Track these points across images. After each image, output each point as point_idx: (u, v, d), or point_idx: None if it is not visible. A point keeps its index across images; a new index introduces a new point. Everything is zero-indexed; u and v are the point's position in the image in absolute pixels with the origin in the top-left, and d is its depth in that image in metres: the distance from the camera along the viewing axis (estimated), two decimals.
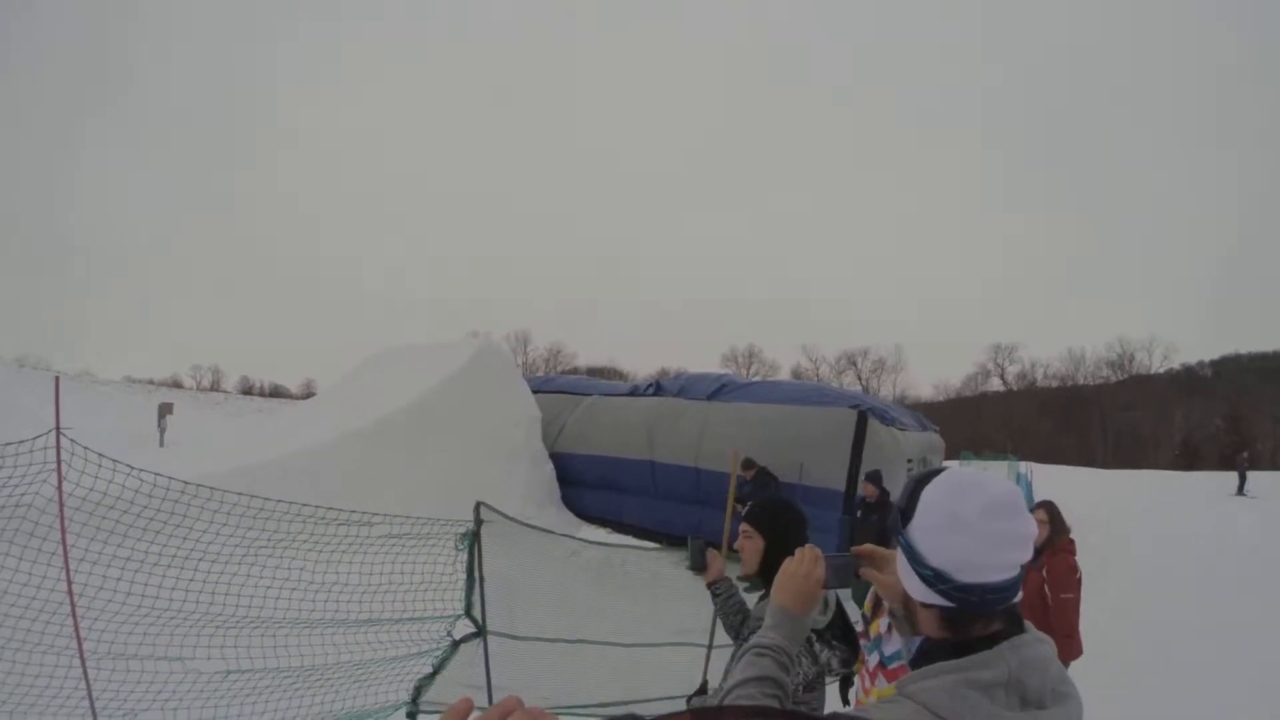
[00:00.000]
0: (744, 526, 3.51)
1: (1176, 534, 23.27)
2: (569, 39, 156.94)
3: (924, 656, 1.69)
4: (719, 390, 19.54)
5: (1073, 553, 7.01)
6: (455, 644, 6.89)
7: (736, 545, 3.58)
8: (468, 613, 7.04)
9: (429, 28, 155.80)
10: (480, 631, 7.03)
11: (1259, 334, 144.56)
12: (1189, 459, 78.61)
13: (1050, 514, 7.09)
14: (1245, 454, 45.51)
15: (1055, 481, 34.31)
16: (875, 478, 11.41)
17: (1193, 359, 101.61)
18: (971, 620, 1.67)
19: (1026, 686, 1.57)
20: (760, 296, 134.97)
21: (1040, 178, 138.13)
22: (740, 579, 3.66)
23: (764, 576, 3.44)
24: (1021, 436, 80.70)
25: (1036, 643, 1.66)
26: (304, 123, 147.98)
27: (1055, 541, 6.96)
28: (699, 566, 3.63)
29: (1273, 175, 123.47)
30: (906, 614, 1.85)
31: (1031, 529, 1.67)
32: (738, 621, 3.77)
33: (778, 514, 3.49)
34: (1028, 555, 1.66)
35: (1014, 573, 1.66)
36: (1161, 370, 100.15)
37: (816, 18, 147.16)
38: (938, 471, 1.80)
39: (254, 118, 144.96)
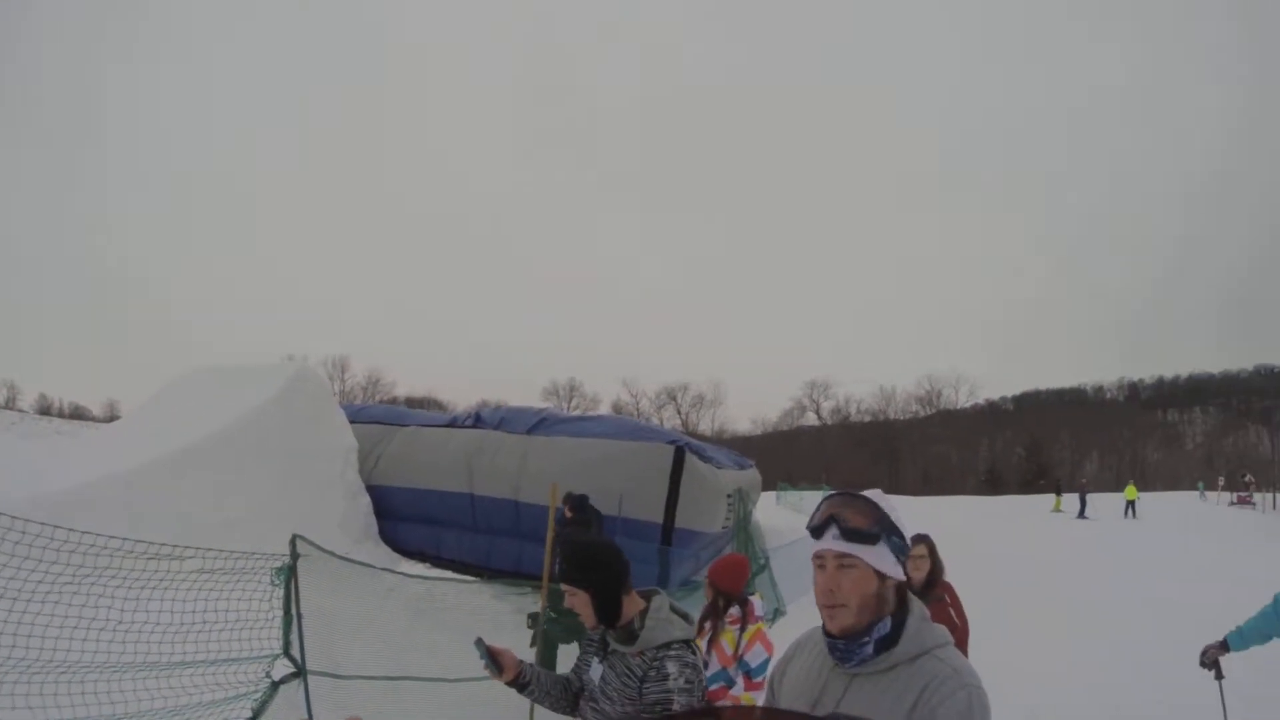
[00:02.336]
0: (564, 587, 3.51)
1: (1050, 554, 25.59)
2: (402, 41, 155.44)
3: (896, 627, 2.18)
4: (539, 424, 19.52)
5: (952, 602, 6.22)
6: (274, 685, 6.68)
7: (566, 604, 3.60)
8: (286, 652, 6.84)
9: (248, 21, 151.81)
10: (300, 671, 6.84)
11: (1056, 371, 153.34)
12: (994, 485, 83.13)
13: (930, 550, 6.28)
14: (1085, 480, 49.56)
15: None
16: (575, 501, 11.86)
17: (996, 394, 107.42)
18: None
19: None
20: (582, 330, 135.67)
21: (857, 222, 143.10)
22: (592, 630, 3.64)
23: (607, 621, 3.48)
24: (836, 468, 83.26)
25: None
26: (112, 121, 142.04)
27: (933, 585, 6.17)
28: (494, 670, 3.60)
29: (1064, 223, 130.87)
30: (873, 608, 2.20)
31: None
32: (561, 687, 3.72)
33: (587, 563, 3.50)
34: None
35: None
36: (967, 405, 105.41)
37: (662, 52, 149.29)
38: (854, 493, 2.32)
39: (63, 112, 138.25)
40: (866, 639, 2.16)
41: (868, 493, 2.30)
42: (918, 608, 2.24)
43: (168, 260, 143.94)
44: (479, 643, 3.61)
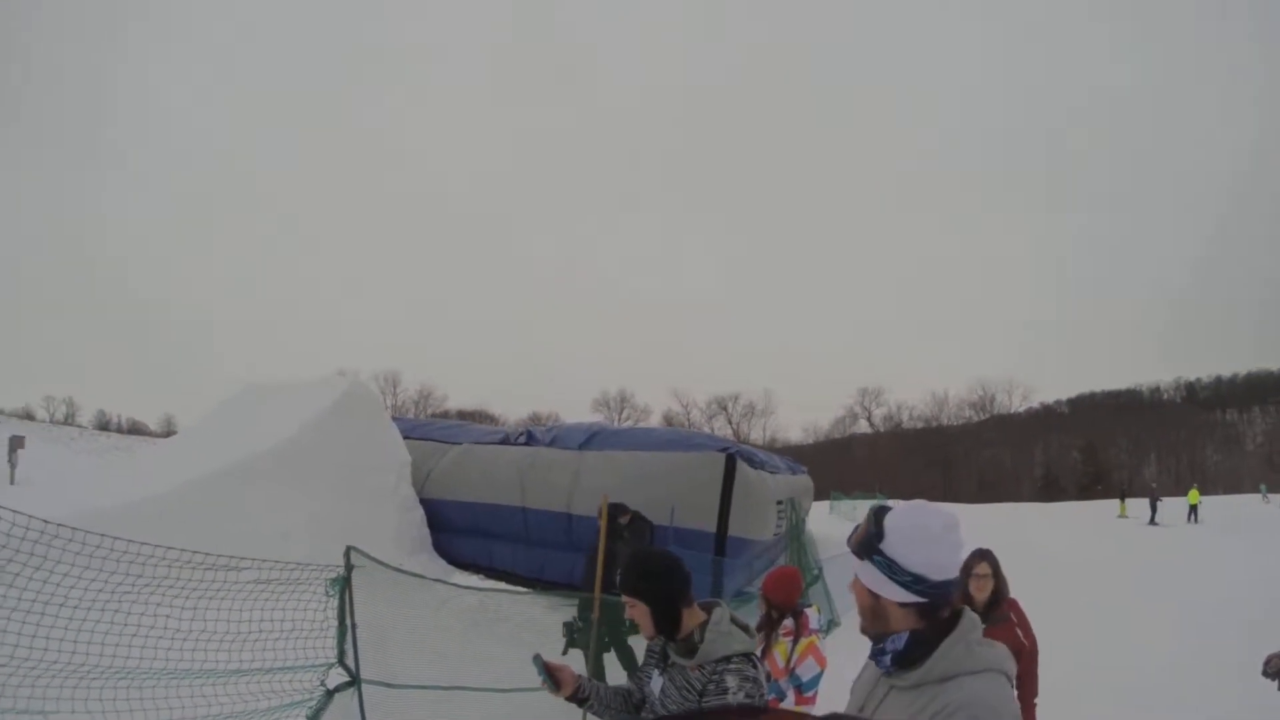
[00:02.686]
0: (624, 599, 3.50)
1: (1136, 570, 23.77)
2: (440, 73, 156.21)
3: (916, 645, 2.23)
4: (591, 438, 19.58)
5: (1019, 621, 5.89)
6: (329, 693, 6.74)
7: (626, 615, 3.57)
8: (340, 661, 6.90)
9: (284, 47, 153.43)
10: (354, 680, 6.90)
11: (1110, 372, 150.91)
12: (1050, 491, 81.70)
13: (994, 567, 5.94)
14: (1155, 484, 47.99)
15: None
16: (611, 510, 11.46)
17: (1050, 398, 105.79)
18: (939, 609, 2.24)
19: (982, 637, 2.24)
20: (633, 340, 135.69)
21: (905, 227, 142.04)
22: (650, 640, 3.62)
23: (666, 632, 3.46)
24: (888, 476, 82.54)
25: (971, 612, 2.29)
26: (168, 145, 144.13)
27: (997, 604, 5.85)
28: (552, 686, 3.59)
29: (1115, 221, 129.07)
30: (875, 618, 2.33)
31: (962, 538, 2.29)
32: (621, 699, 3.70)
33: (647, 574, 3.48)
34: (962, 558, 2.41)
35: (959, 571, 2.27)
36: (1021, 409, 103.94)
37: (728, 63, 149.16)
38: (889, 506, 2.35)
39: (119, 134, 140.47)
40: (883, 648, 2.32)
41: (904, 504, 2.37)
42: (966, 631, 2.25)
43: (223, 279, 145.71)
44: (537, 659, 3.61)
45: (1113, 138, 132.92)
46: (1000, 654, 2.23)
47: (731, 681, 3.26)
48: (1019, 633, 5.82)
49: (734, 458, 16.78)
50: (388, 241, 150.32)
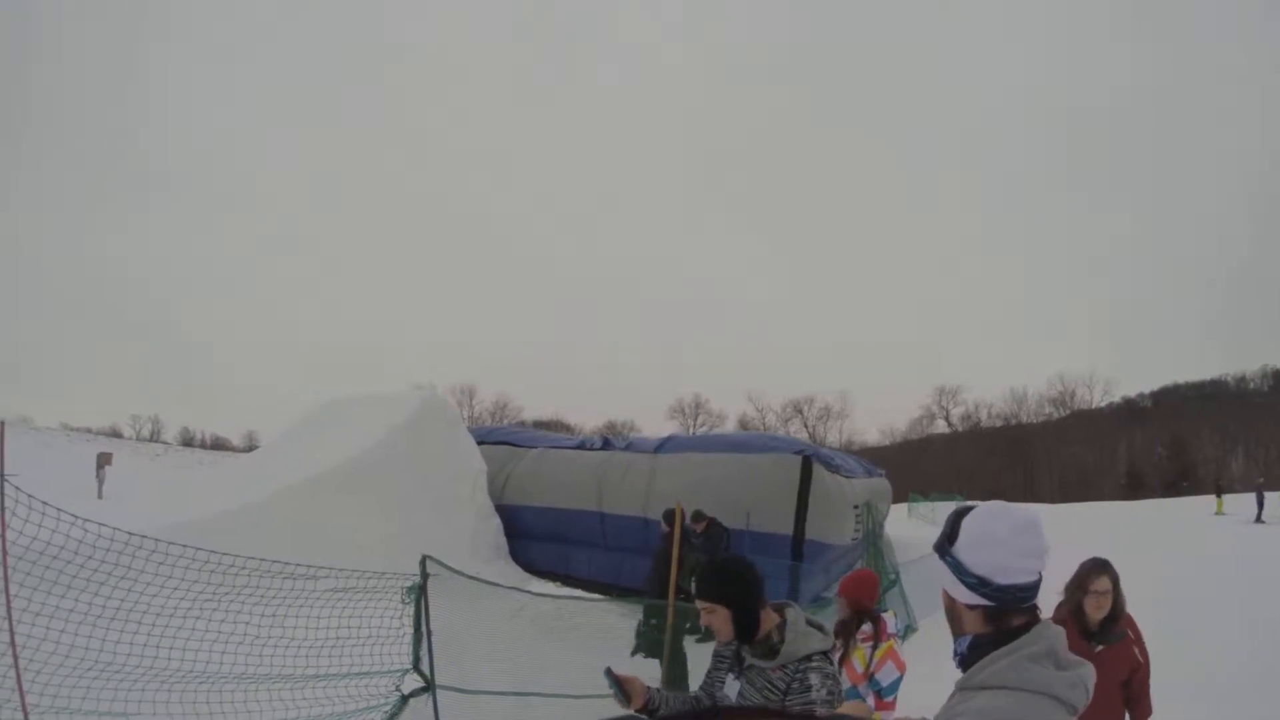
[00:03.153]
0: (701, 605, 3.48)
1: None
2: (519, 80, 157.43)
3: (974, 650, 2.19)
4: (666, 442, 19.70)
5: (1135, 638, 5.34)
6: (404, 698, 6.83)
7: (703, 622, 3.56)
8: (415, 667, 6.98)
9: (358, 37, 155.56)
10: (429, 686, 6.97)
11: (1195, 364, 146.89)
12: (1135, 488, 79.65)
13: (1114, 582, 5.30)
14: (1262, 479, 44.66)
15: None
16: (671, 517, 11.29)
17: (1132, 391, 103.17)
18: (1008, 614, 2.19)
19: (1059, 655, 2.11)
20: (706, 346, 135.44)
21: (980, 221, 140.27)
22: (725, 644, 3.60)
23: (745, 636, 3.45)
24: (967, 477, 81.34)
25: (1054, 624, 2.20)
26: (245, 164, 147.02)
27: (1114, 620, 5.28)
28: (623, 699, 3.58)
29: (1197, 206, 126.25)
30: (951, 618, 2.32)
31: (1046, 544, 2.21)
32: (691, 706, 3.62)
33: (726, 579, 3.46)
34: (1044, 566, 2.21)
35: (1036, 577, 2.19)
36: (1103, 404, 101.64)
37: (780, 67, 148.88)
38: (971, 507, 2.32)
39: (210, 157, 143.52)
40: (955, 649, 2.30)
41: (983, 506, 2.33)
42: (1023, 645, 2.12)
43: (304, 297, 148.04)
44: (608, 672, 3.61)
45: (1196, 119, 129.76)
46: (1062, 678, 2.07)
47: (815, 679, 3.26)
48: (1136, 650, 5.31)
49: (810, 460, 16.65)
50: (464, 255, 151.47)
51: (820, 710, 3.18)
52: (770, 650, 3.38)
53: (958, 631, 2.29)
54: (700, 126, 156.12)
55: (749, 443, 18.92)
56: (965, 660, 2.22)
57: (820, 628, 3.47)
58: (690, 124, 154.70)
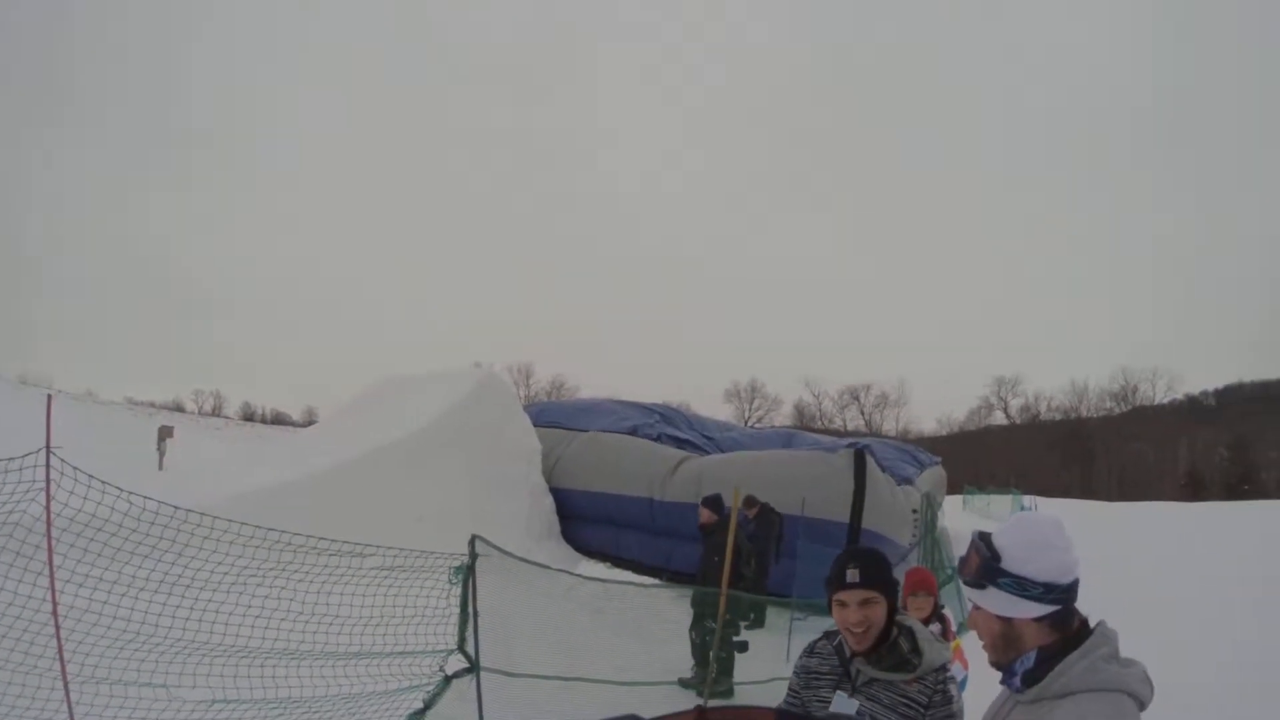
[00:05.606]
0: (866, 595, 3.07)
1: None
2: (571, 58, 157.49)
3: (1043, 662, 2.16)
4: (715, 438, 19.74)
5: None
6: (447, 679, 6.78)
7: (855, 619, 3.10)
8: (460, 648, 6.93)
9: (417, 40, 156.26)
10: (473, 667, 6.91)
11: (1262, 362, 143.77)
12: (1194, 490, 78.10)
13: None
14: None
15: (1082, 516, 32.81)
16: (712, 502, 11.00)
17: (1196, 389, 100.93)
18: (1070, 616, 2.20)
19: (1118, 654, 2.15)
20: (763, 329, 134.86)
21: (1043, 209, 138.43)
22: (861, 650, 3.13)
23: (883, 640, 3.11)
24: (1025, 470, 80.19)
25: (1106, 623, 2.24)
26: (309, 141, 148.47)
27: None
28: None
29: (1261, 203, 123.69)
30: (1008, 644, 2.24)
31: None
32: None
33: (887, 565, 3.16)
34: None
35: (1079, 572, 2.23)
36: (1165, 401, 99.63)
37: (826, 55, 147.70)
38: (986, 533, 2.30)
39: (268, 129, 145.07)
40: (1013, 672, 2.24)
41: (1008, 524, 2.35)
42: (1094, 647, 2.15)
43: (364, 274, 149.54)
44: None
45: (1264, 104, 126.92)
46: (1132, 674, 2.12)
47: (953, 690, 3.10)
48: None
49: (863, 454, 16.44)
50: (521, 233, 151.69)
51: None
52: (901, 662, 3.08)
53: (1017, 653, 2.23)
54: (768, 106, 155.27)
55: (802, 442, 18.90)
56: (1031, 675, 2.18)
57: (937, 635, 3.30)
58: (764, 104, 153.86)
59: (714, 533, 10.65)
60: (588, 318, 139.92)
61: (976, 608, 2.30)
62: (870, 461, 16.40)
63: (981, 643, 2.33)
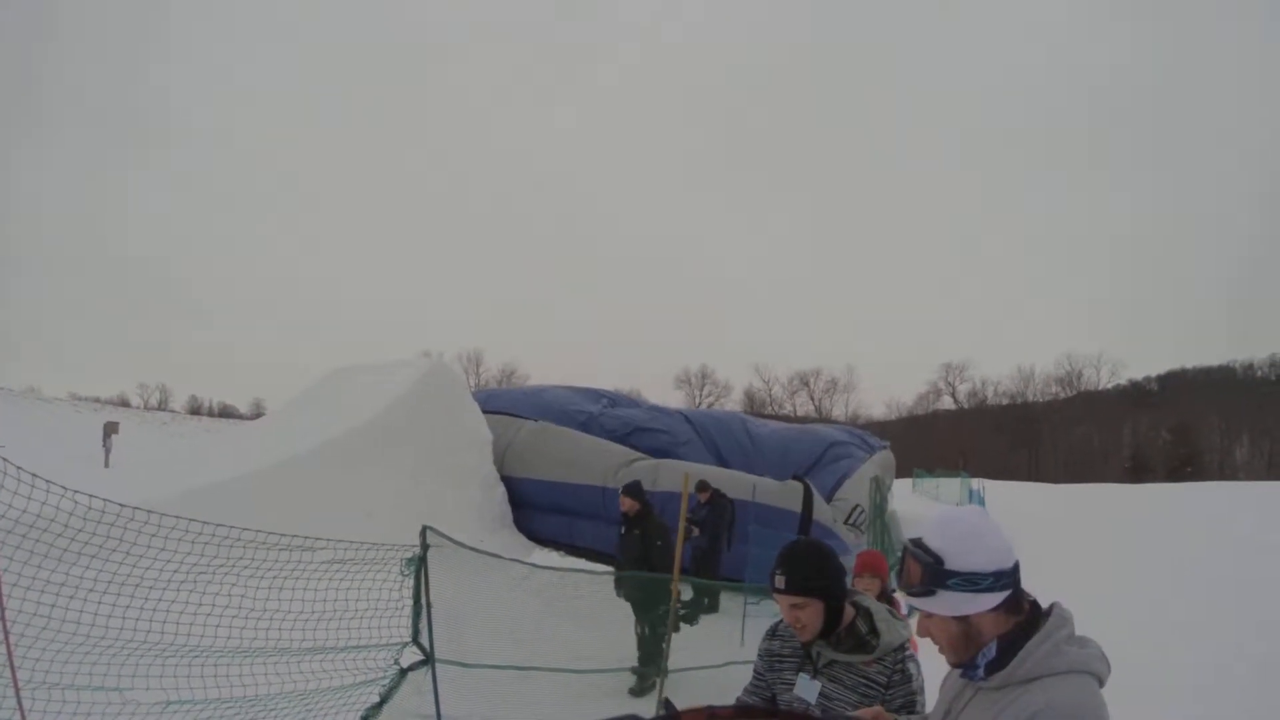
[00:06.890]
0: (790, 600, 3.14)
1: None
2: (512, 38, 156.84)
3: (1005, 649, 2.19)
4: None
5: None
6: (403, 672, 6.77)
7: (786, 620, 3.26)
8: (415, 640, 6.92)
9: (369, 27, 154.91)
10: (428, 659, 6.91)
11: (1203, 349, 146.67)
12: (1138, 472, 79.79)
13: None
14: None
15: (1019, 498, 33.69)
16: (634, 490, 10.92)
17: (1139, 374, 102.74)
18: (1020, 598, 2.24)
19: (1075, 634, 2.19)
20: (713, 317, 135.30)
21: (990, 198, 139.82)
22: (807, 642, 3.25)
23: (828, 631, 3.20)
24: (973, 454, 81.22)
25: (1061, 604, 2.28)
26: (243, 125, 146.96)
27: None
28: None
29: (1204, 196, 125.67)
30: (968, 642, 2.25)
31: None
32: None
33: (819, 568, 3.17)
34: None
35: None
36: (1109, 386, 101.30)
37: (788, 41, 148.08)
38: (918, 537, 2.31)
39: (212, 118, 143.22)
40: (975, 665, 2.26)
41: (932, 522, 2.34)
42: (1053, 629, 2.20)
43: (310, 265, 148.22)
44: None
45: (1210, 100, 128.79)
46: (1090, 654, 2.17)
47: (912, 668, 3.16)
48: None
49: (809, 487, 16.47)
50: (470, 224, 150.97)
51: (920, 699, 3.11)
52: (860, 644, 3.18)
53: (979, 648, 2.25)
54: (711, 103, 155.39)
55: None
56: (994, 663, 2.22)
57: (892, 613, 3.32)
58: (702, 93, 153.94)
59: (636, 521, 10.60)
60: (539, 305, 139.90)
61: (926, 615, 2.31)
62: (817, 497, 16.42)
63: (938, 648, 2.34)
